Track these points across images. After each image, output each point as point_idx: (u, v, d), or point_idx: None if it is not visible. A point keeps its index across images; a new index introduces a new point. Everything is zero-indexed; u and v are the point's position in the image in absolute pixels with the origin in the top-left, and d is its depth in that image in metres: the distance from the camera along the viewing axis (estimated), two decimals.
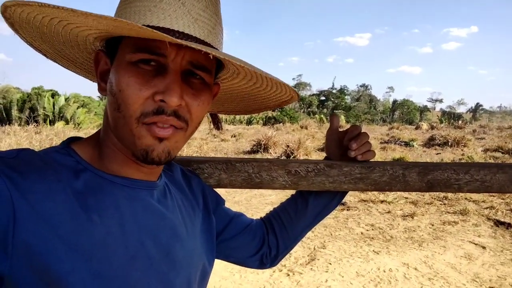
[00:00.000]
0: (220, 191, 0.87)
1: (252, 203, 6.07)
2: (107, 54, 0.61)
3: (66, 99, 25.55)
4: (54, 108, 24.66)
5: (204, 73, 0.59)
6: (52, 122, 22.44)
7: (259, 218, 0.96)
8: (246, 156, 8.90)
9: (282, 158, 9.42)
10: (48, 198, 0.52)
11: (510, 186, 0.87)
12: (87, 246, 0.52)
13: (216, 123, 0.82)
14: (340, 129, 0.93)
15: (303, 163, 0.86)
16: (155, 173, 0.66)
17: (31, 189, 0.51)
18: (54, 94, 26.12)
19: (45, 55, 0.67)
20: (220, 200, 0.86)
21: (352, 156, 0.84)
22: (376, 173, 0.85)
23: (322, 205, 0.90)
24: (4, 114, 24.12)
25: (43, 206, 0.51)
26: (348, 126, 0.89)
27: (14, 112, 24.05)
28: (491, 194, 6.47)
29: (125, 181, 0.61)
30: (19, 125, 19.90)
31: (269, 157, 10.31)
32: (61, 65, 0.71)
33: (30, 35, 0.61)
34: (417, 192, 6.80)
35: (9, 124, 20.65)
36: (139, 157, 0.58)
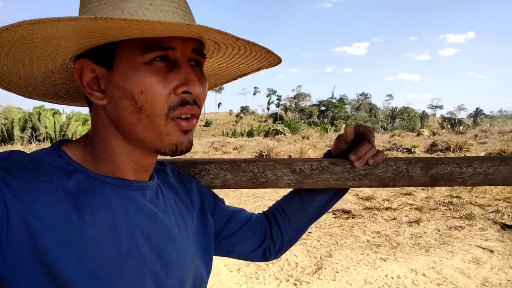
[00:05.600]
0: None
1: None
2: (96, 63, 0.59)
3: (67, 117, 25.69)
4: (55, 126, 24.77)
5: (203, 59, 0.63)
6: (54, 141, 22.50)
7: (261, 212, 0.95)
8: None
9: None
10: (40, 199, 0.52)
11: None
12: (80, 245, 0.53)
13: None
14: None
15: (307, 161, 0.86)
16: (147, 173, 0.67)
17: (23, 189, 0.51)
18: (55, 113, 26.26)
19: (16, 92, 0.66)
20: (218, 199, 0.86)
21: (357, 166, 0.84)
22: (380, 169, 0.86)
23: (329, 196, 0.90)
24: (6, 134, 24.22)
25: (35, 206, 0.51)
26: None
27: (16, 132, 24.16)
28: (496, 197, 6.43)
29: (116, 182, 0.62)
30: (21, 144, 19.99)
31: None
32: (35, 99, 0.70)
33: None
34: (421, 198, 6.79)
35: (11, 144, 20.74)
36: (167, 152, 0.60)
